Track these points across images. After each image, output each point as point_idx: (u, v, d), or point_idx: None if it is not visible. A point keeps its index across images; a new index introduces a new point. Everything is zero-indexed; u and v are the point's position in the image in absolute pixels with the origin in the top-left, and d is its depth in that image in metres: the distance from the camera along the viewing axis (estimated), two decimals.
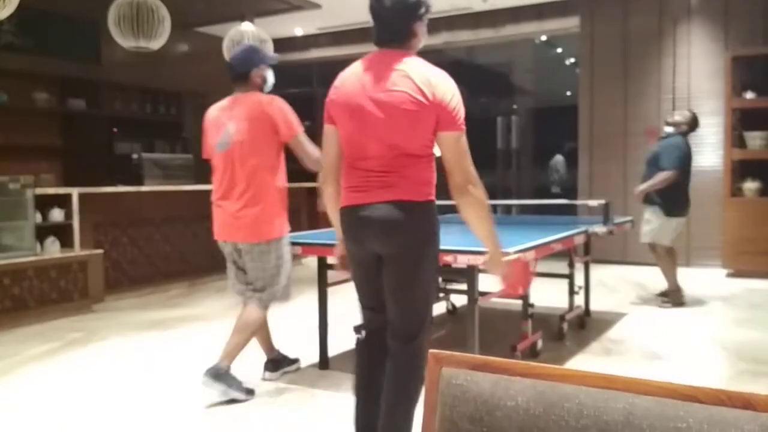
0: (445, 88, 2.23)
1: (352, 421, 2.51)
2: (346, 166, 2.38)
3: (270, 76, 3.56)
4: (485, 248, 2.41)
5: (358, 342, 2.59)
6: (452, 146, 2.24)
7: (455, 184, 2.26)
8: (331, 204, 2.49)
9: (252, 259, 3.45)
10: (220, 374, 3.31)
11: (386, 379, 2.40)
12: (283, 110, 3.38)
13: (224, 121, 3.45)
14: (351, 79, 2.34)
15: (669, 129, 5.61)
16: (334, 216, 2.50)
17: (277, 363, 3.80)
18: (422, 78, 2.22)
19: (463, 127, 2.27)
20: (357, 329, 4.21)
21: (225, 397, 3.31)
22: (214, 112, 3.56)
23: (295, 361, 3.92)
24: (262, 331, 3.69)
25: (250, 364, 3.72)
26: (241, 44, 3.65)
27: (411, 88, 2.21)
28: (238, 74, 3.47)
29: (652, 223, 5.53)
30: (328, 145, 2.43)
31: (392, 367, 2.40)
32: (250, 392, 3.42)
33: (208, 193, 7.26)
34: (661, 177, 5.34)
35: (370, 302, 2.51)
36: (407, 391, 2.36)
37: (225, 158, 3.46)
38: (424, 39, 2.40)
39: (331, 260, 2.75)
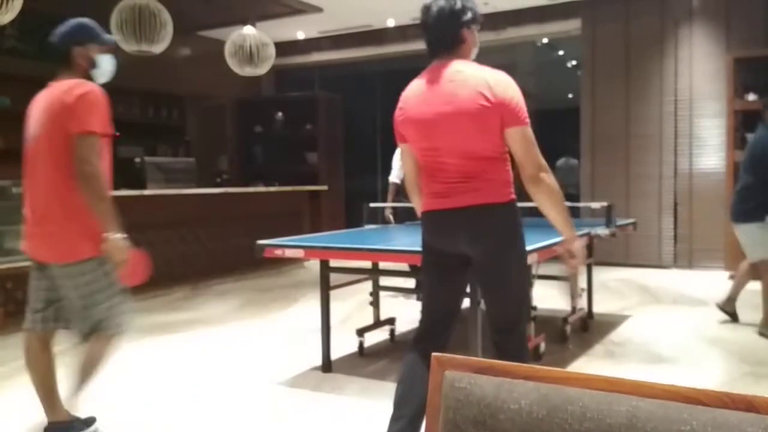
0: (504, 86, 2.32)
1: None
2: (425, 176, 2.48)
3: (105, 62, 2.90)
4: (561, 233, 2.50)
5: (408, 348, 2.59)
6: (520, 140, 2.33)
7: (528, 175, 2.35)
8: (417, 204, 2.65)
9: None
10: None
11: None
12: (91, 102, 2.68)
13: (33, 112, 2.84)
14: (413, 98, 2.43)
15: None
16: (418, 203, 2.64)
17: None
18: (481, 81, 2.31)
19: (527, 120, 2.35)
20: (360, 332, 4.24)
21: None
22: (38, 97, 2.89)
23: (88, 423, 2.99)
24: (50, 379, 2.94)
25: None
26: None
27: (472, 94, 2.29)
28: (57, 52, 2.82)
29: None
30: (405, 162, 2.60)
31: (497, 356, 2.47)
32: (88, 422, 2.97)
33: (210, 196, 7.24)
34: None
35: (435, 309, 2.57)
36: None
37: (28, 156, 2.86)
38: (476, 46, 2.50)
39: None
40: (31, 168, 2.84)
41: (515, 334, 2.52)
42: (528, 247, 3.34)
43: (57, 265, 2.75)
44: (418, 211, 2.61)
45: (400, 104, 2.49)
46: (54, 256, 2.75)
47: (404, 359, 2.58)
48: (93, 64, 2.87)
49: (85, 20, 2.92)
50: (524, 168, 2.35)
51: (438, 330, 2.58)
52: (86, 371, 2.86)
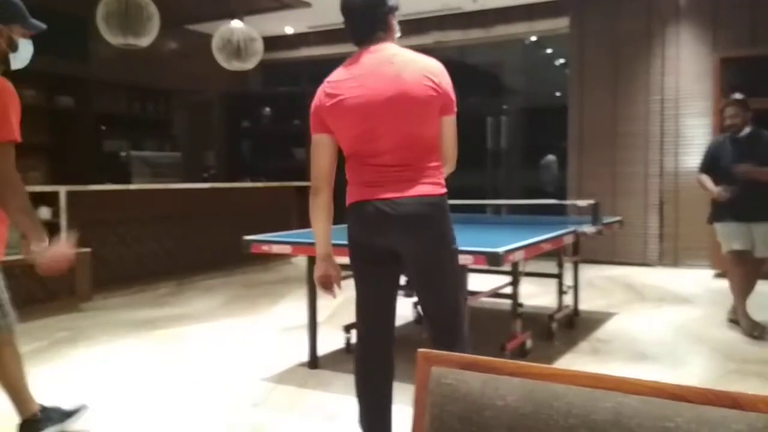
0: (443, 72, 2.33)
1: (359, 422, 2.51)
2: (354, 164, 2.35)
3: (24, 46, 2.66)
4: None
5: (357, 361, 2.53)
6: (452, 128, 2.36)
7: (452, 159, 2.40)
8: (322, 215, 2.39)
9: None
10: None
11: None
12: (7, 104, 2.44)
13: None
14: (346, 83, 2.30)
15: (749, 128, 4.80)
16: (323, 229, 2.42)
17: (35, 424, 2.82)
18: (422, 66, 2.28)
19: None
20: (347, 329, 4.23)
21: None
22: None
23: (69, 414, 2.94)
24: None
25: None
26: None
27: (417, 77, 2.24)
28: None
29: None
30: (320, 155, 2.37)
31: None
32: (72, 413, 2.93)
33: (196, 191, 7.21)
34: None
35: (373, 310, 2.46)
36: None
37: None
38: (398, 34, 2.42)
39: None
40: None
41: (455, 330, 2.41)
42: (516, 245, 3.37)
43: None
44: (317, 217, 2.40)
45: (327, 91, 2.32)
46: None
47: (360, 391, 2.49)
48: (14, 47, 2.60)
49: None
50: (451, 153, 2.38)
51: (384, 338, 2.48)
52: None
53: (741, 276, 4.69)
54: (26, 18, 2.63)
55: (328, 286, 2.48)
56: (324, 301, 4.01)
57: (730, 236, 4.68)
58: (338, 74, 2.36)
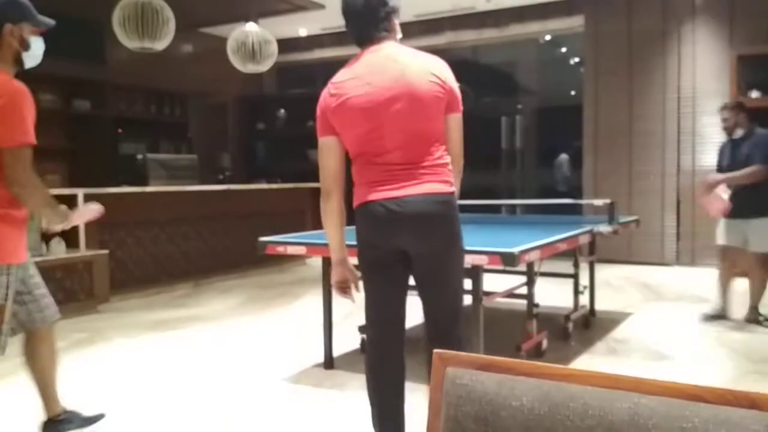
0: (448, 71, 2.33)
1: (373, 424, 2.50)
2: (361, 165, 2.31)
3: (36, 44, 2.68)
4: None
5: (369, 363, 2.49)
6: (458, 126, 2.36)
7: (459, 157, 2.39)
8: (334, 219, 2.36)
9: None
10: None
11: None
12: (17, 102, 2.47)
13: None
14: (351, 82, 2.28)
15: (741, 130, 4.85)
16: (336, 234, 2.39)
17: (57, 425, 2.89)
18: (427, 64, 2.28)
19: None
20: (362, 329, 4.24)
21: None
22: None
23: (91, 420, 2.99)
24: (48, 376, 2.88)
25: None
26: None
27: (423, 74, 2.24)
28: None
29: None
30: (328, 157, 2.33)
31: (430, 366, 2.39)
32: (91, 420, 3.01)
33: (212, 193, 7.26)
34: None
35: (385, 312, 2.43)
36: None
37: None
38: (400, 35, 2.41)
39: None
40: None
41: (453, 337, 2.35)
42: (531, 245, 3.36)
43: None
44: (329, 222, 2.37)
45: (332, 92, 2.30)
46: None
47: (372, 394, 2.46)
48: (26, 46, 2.62)
49: None
50: (459, 150, 2.37)
51: (395, 340, 2.44)
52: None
53: (723, 269, 5.01)
54: (35, 15, 2.65)
55: (346, 290, 2.46)
56: (339, 302, 4.02)
57: (720, 232, 5.00)
58: (342, 75, 2.34)
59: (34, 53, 2.67)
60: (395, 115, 2.22)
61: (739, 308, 4.94)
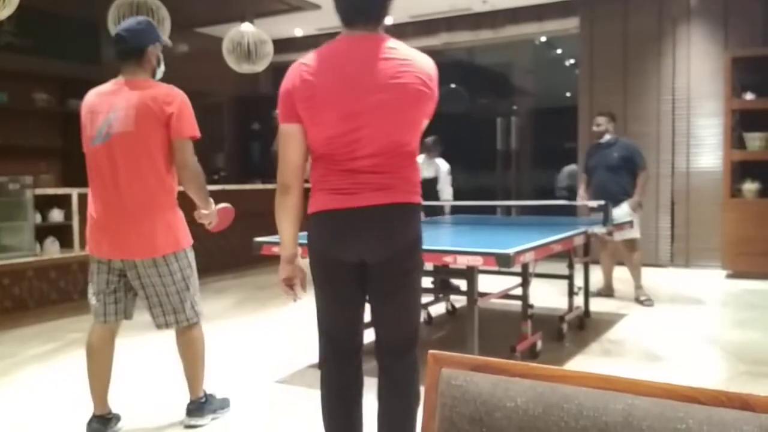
0: (436, 74, 2.09)
1: None
2: (322, 168, 2.07)
3: (161, 61, 3.09)
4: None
5: (329, 382, 2.27)
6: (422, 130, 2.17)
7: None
8: (291, 214, 2.12)
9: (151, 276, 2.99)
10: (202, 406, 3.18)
11: (382, 400, 2.21)
12: (186, 104, 2.91)
13: (102, 108, 2.88)
14: (330, 72, 2.01)
15: (609, 136, 5.90)
16: (289, 230, 2.15)
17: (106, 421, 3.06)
18: (425, 67, 2.04)
19: None
20: None
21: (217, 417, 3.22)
22: (92, 97, 2.97)
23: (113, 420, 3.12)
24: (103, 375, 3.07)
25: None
26: (132, 18, 3.12)
27: (417, 78, 2.00)
28: (132, 49, 2.89)
29: (634, 218, 5.72)
30: (291, 147, 2.07)
31: (388, 383, 2.19)
32: (224, 403, 3.32)
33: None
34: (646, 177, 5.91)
35: (340, 324, 2.22)
36: (408, 410, 2.17)
37: (104, 153, 2.85)
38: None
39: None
40: (110, 165, 2.84)
41: (409, 356, 2.18)
42: (526, 246, 3.36)
43: (150, 258, 2.91)
44: (284, 217, 2.14)
45: (304, 75, 2.02)
46: (145, 251, 2.89)
47: (328, 414, 2.27)
48: (159, 63, 3.05)
49: (147, 19, 3.14)
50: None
51: (354, 358, 2.24)
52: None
53: (603, 257, 6.02)
54: (161, 36, 3.11)
55: (293, 287, 2.25)
56: None
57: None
58: (320, 58, 2.05)
59: (163, 68, 3.10)
60: (377, 120, 1.99)
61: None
